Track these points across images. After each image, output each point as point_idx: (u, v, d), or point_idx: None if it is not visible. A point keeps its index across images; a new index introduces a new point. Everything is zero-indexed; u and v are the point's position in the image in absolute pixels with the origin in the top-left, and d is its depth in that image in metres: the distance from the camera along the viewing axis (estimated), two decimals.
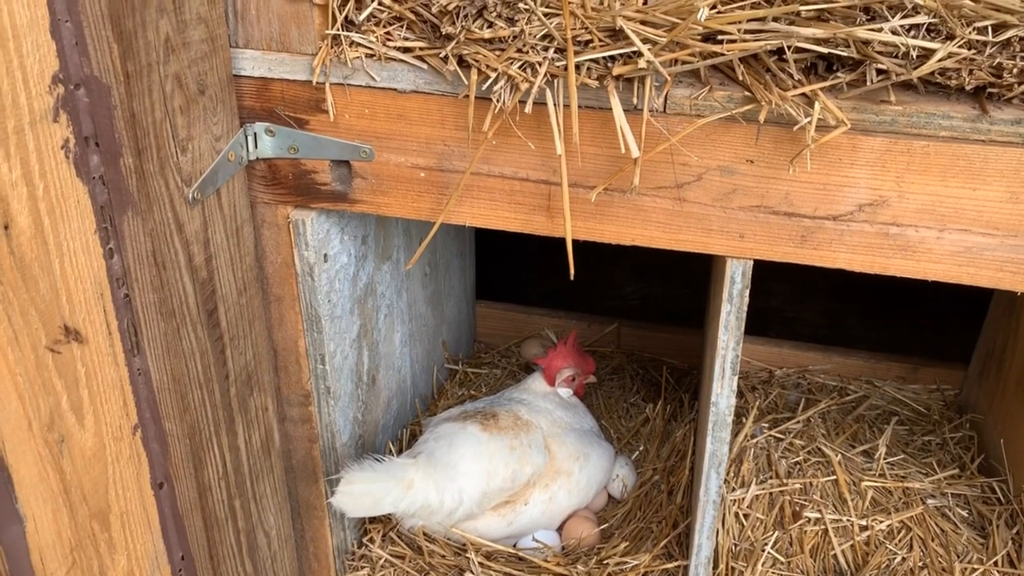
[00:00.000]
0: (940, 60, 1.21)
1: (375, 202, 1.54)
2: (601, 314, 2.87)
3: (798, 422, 2.38)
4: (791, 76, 1.28)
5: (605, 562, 1.89)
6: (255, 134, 1.50)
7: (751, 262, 1.42)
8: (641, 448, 2.34)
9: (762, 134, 1.32)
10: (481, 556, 1.90)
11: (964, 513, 2.05)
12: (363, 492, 1.76)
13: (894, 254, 1.35)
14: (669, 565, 1.87)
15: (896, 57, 1.23)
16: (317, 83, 1.43)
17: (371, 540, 1.98)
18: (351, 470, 1.75)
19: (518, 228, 1.50)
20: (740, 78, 1.30)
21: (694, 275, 3.15)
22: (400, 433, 2.22)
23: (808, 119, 1.24)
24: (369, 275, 1.89)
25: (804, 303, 3.40)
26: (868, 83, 1.26)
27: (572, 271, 1.36)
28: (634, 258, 3.63)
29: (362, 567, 1.96)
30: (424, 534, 1.92)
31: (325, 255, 1.64)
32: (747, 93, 1.29)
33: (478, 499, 1.92)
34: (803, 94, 1.27)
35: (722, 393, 1.56)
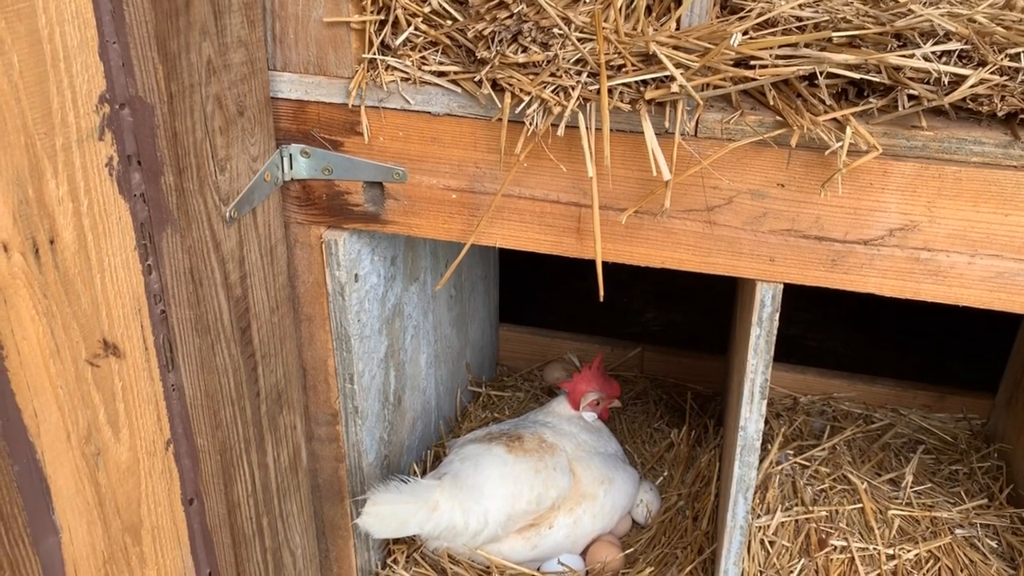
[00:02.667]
0: (972, 86, 1.22)
1: (407, 223, 1.56)
2: (623, 339, 2.88)
3: (823, 449, 2.36)
4: (822, 102, 1.29)
5: None
6: (290, 155, 1.52)
7: (781, 286, 1.42)
8: (665, 473, 2.33)
9: (793, 158, 1.33)
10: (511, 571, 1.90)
11: (993, 544, 2.03)
12: (389, 513, 1.76)
13: (925, 279, 1.35)
14: None
15: (927, 83, 1.24)
16: (352, 106, 1.46)
17: (395, 561, 1.98)
18: (377, 491, 1.76)
19: (548, 250, 1.51)
20: (771, 103, 1.31)
21: (715, 301, 3.16)
22: (424, 454, 2.23)
23: (839, 144, 1.25)
24: (397, 296, 1.91)
25: (826, 331, 3.39)
26: (899, 109, 1.27)
27: (601, 293, 1.36)
28: (655, 283, 3.64)
29: None
30: (448, 556, 1.92)
31: (356, 275, 1.65)
32: (778, 118, 1.30)
33: (503, 521, 1.91)
34: (834, 119, 1.28)
35: (751, 417, 1.56)
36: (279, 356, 1.62)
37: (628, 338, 2.89)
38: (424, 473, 2.09)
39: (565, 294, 3.58)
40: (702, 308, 3.52)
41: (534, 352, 2.90)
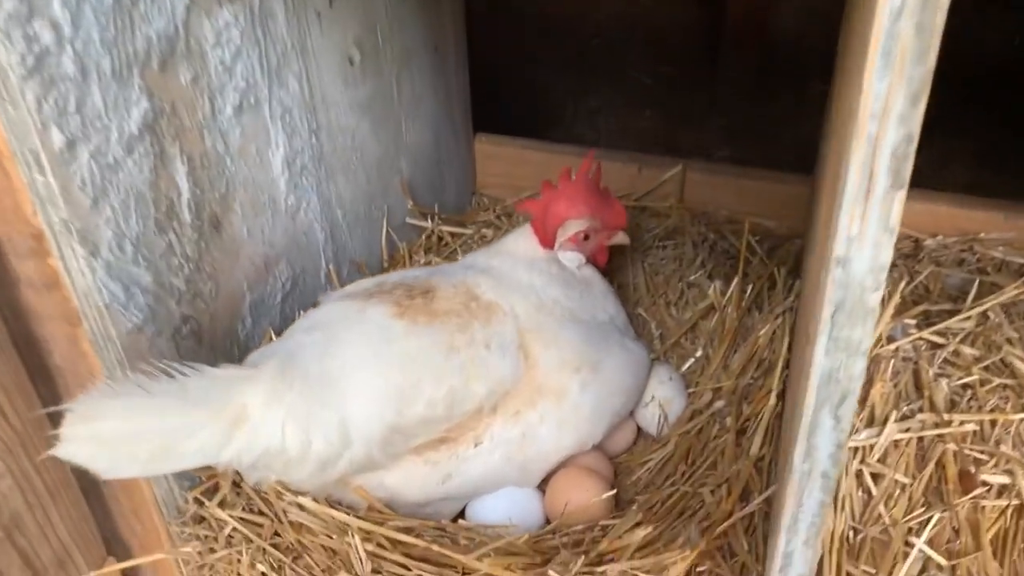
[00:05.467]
0: None
1: None
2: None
3: (968, 318, 1.42)
4: None
5: (603, 560, 1.02)
6: None
7: None
8: (699, 354, 1.42)
9: None
10: (384, 537, 1.05)
11: None
12: (124, 434, 0.92)
13: None
14: None
15: None
16: None
17: (211, 491, 1.16)
18: (91, 395, 0.91)
19: None
20: None
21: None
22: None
23: None
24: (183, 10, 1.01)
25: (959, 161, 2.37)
26: None
27: None
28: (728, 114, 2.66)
29: (194, 537, 1.15)
30: (281, 492, 1.08)
31: None
32: None
33: (380, 439, 1.06)
34: None
35: (863, 240, 0.63)
36: None
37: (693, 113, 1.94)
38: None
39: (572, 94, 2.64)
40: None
41: (531, 174, 1.95)
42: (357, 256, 1.53)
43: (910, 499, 1.18)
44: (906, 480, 1.18)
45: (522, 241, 1.34)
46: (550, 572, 0.98)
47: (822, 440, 0.78)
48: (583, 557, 0.99)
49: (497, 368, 1.13)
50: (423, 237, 1.70)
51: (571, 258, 1.35)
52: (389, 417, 1.06)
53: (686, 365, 1.41)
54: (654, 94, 2.80)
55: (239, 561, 1.12)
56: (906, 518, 1.14)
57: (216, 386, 0.99)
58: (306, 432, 1.02)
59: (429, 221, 1.72)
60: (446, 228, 1.73)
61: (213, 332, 1.18)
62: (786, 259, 1.55)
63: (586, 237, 1.34)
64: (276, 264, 1.31)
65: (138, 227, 1.01)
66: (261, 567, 1.11)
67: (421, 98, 1.66)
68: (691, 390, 1.35)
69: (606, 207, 1.36)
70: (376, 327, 1.09)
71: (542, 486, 1.22)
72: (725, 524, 1.05)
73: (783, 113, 2.58)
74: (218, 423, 0.98)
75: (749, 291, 1.44)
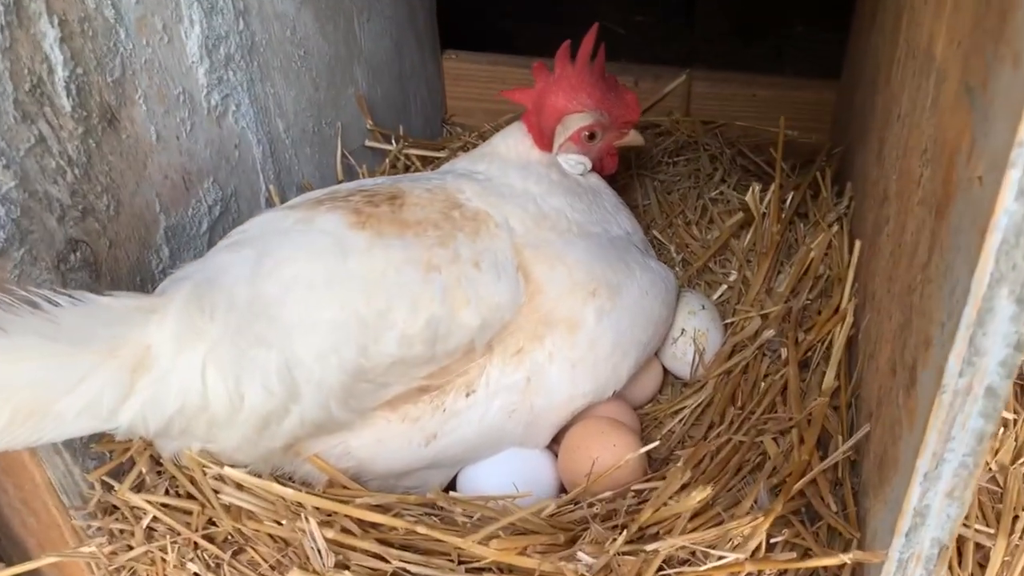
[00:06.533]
0: None
1: None
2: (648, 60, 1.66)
3: None
4: None
5: (646, 535, 0.76)
6: None
7: None
8: (732, 278, 1.16)
9: None
10: (350, 519, 0.78)
11: None
12: None
13: None
14: (819, 563, 0.73)
15: None
16: None
17: (121, 470, 0.88)
18: None
19: None
20: None
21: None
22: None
23: None
24: None
25: None
26: None
27: None
28: None
29: (103, 532, 0.87)
30: (212, 466, 0.81)
31: None
32: None
33: (339, 387, 0.79)
34: None
35: None
36: None
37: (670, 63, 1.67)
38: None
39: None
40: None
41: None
42: (305, 179, 1.25)
43: (1016, 439, 0.93)
44: (1009, 416, 0.94)
45: (512, 141, 1.06)
46: (580, 554, 0.71)
47: (993, 339, 0.53)
48: (623, 532, 0.73)
49: (491, 292, 0.86)
50: (386, 162, 1.42)
51: (574, 161, 1.07)
52: (349, 358, 0.78)
53: (717, 293, 1.15)
54: (628, 44, 2.54)
55: (164, 560, 0.85)
56: (1017, 463, 0.90)
57: (104, 319, 0.71)
58: (236, 380, 0.74)
59: (393, 144, 1.44)
60: (414, 152, 1.45)
61: (114, 264, 0.89)
62: (823, 167, 1.29)
63: (591, 136, 1.07)
64: (199, 182, 1.02)
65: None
66: (193, 567, 0.84)
67: (376, 4, 1.38)
68: (727, 321, 1.09)
69: (615, 98, 1.09)
70: (329, 239, 0.81)
71: (551, 447, 0.96)
72: (804, 480, 0.79)
73: (765, 62, 2.34)
74: (109, 370, 0.70)
75: (789, 200, 1.18)
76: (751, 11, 2.48)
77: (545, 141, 1.07)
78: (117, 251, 0.90)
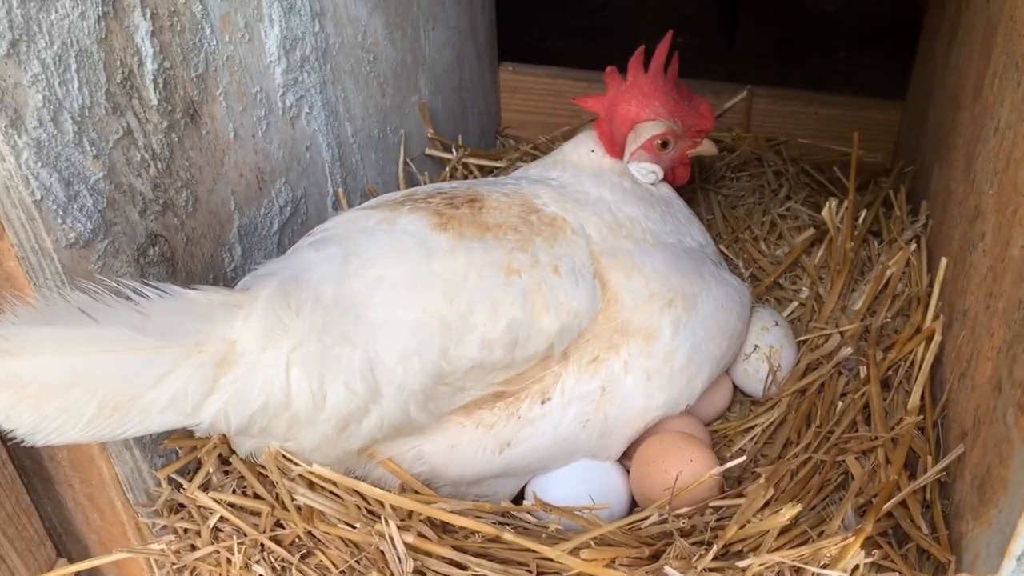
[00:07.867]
0: None
1: None
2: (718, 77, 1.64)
3: None
4: None
5: (731, 551, 0.73)
6: None
7: None
8: (804, 294, 1.14)
9: None
10: (428, 524, 0.76)
11: None
12: (56, 378, 0.63)
13: None
14: None
15: None
16: None
17: (190, 469, 0.87)
18: (9, 321, 0.63)
19: None
20: None
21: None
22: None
23: None
24: None
25: None
26: None
27: None
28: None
29: (169, 531, 0.86)
30: (283, 464, 0.80)
31: None
32: None
33: (420, 390, 0.77)
34: None
35: None
36: None
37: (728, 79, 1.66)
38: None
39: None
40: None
41: (564, 111, 1.66)
42: (369, 184, 1.24)
43: None
44: None
45: (584, 149, 1.05)
46: (667, 568, 0.69)
47: None
48: (711, 548, 0.70)
49: (570, 298, 0.85)
50: (446, 170, 1.42)
51: (645, 170, 1.06)
52: (431, 359, 0.77)
53: (788, 310, 1.13)
54: None
55: (229, 561, 0.84)
56: None
57: (192, 314, 0.70)
58: (320, 378, 0.73)
59: (453, 152, 1.43)
60: (473, 161, 1.45)
61: (190, 260, 0.89)
62: (897, 184, 1.26)
63: (664, 144, 1.06)
64: (272, 182, 1.02)
65: (82, 97, 0.72)
66: (259, 568, 0.83)
67: (442, 2, 1.38)
68: (800, 338, 1.06)
69: (688, 106, 1.08)
70: (412, 240, 0.80)
71: (621, 461, 0.94)
72: (894, 500, 0.76)
73: (807, 85, 2.33)
74: (195, 365, 0.69)
75: (862, 217, 1.16)
76: (793, 33, 2.46)
77: (616, 149, 1.05)
78: (193, 247, 0.89)
